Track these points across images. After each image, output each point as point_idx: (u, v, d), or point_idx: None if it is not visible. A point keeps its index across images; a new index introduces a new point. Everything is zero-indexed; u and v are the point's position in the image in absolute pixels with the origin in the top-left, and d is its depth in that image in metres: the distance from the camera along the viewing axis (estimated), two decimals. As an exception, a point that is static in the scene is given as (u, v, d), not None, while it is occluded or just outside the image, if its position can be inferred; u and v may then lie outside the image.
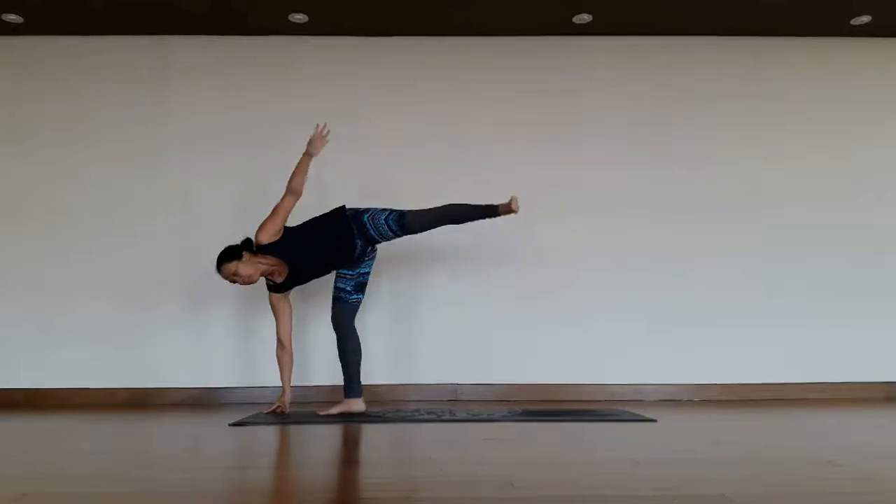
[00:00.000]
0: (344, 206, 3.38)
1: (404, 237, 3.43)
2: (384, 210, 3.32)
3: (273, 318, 3.43)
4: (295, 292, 3.55)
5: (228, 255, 3.22)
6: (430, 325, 4.19)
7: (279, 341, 3.39)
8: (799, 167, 4.36)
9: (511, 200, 3.24)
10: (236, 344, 4.15)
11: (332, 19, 4.18)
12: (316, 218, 3.39)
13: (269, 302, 3.42)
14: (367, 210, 3.34)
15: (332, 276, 3.51)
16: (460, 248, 4.24)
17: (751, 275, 4.26)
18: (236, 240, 3.30)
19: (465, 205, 3.35)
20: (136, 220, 4.23)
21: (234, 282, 3.25)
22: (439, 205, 3.35)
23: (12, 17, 4.07)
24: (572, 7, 4.07)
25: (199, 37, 4.35)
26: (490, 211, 3.30)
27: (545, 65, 4.41)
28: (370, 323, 4.08)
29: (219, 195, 4.25)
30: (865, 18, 4.18)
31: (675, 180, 4.33)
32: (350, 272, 3.41)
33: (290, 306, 3.43)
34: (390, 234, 3.32)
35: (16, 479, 1.85)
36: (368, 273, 3.46)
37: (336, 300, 3.42)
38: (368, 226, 3.29)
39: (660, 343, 4.20)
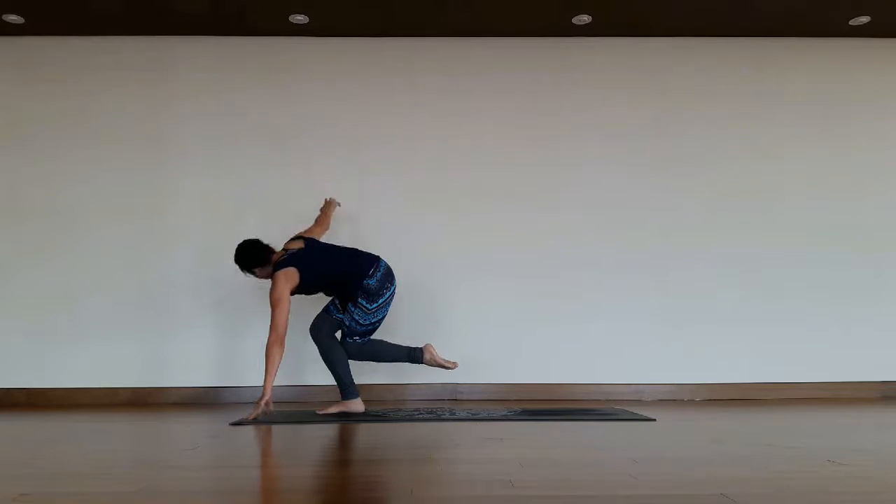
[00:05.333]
0: (379, 258, 3.42)
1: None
2: (360, 327, 3.35)
3: (272, 315, 3.23)
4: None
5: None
6: (431, 325, 4.20)
7: (281, 337, 3.19)
8: (798, 167, 4.37)
9: (425, 347, 3.43)
10: (237, 343, 4.16)
11: (332, 20, 4.18)
12: (349, 249, 3.46)
13: (277, 296, 3.21)
14: (364, 301, 3.33)
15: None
16: (459, 248, 4.25)
17: (750, 274, 4.27)
18: (233, 239, 3.33)
19: (390, 348, 3.43)
20: (136, 220, 4.24)
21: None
22: (375, 340, 3.45)
23: (13, 18, 4.07)
24: (572, 8, 4.07)
25: (199, 37, 4.36)
26: (413, 356, 3.43)
27: (545, 65, 4.42)
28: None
29: (219, 195, 4.26)
30: (864, 19, 4.19)
31: (674, 180, 4.34)
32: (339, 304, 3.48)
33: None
34: (350, 326, 3.37)
35: (16, 479, 1.85)
36: (355, 321, 3.39)
37: (324, 310, 3.49)
38: (352, 309, 3.35)
39: (659, 343, 4.20)
